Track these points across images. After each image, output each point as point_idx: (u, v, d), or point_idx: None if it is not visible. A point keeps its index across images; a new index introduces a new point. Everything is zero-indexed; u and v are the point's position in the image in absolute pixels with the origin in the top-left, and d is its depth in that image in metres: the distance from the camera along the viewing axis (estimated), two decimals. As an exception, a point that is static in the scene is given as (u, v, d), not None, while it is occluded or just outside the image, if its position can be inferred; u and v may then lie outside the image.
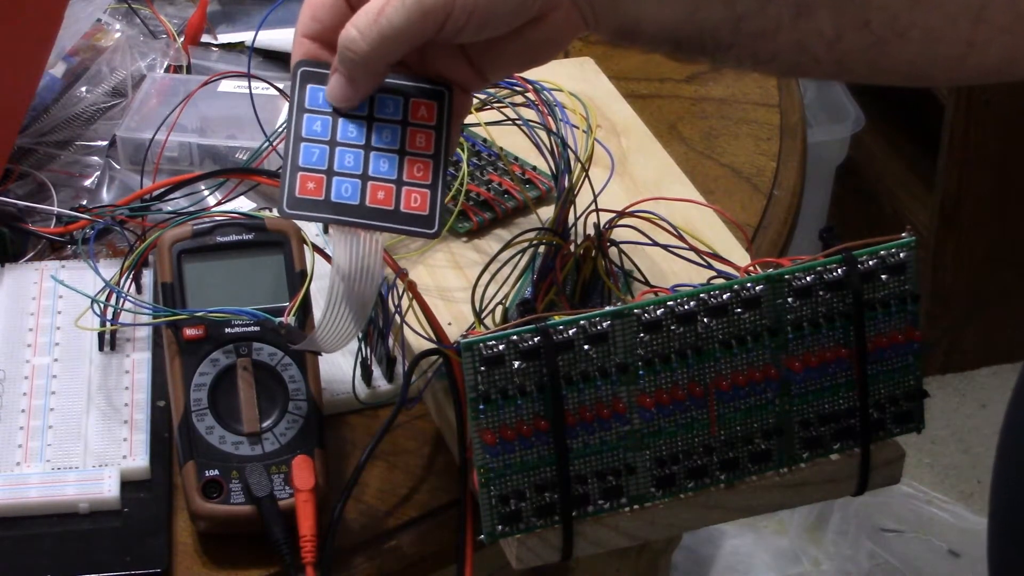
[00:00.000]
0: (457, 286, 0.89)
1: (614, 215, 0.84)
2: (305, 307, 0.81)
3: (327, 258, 0.83)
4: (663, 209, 0.85)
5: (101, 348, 0.86)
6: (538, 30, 0.73)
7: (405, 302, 0.81)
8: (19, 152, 1.00)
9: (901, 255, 0.77)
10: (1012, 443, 0.97)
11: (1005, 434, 0.98)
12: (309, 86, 0.75)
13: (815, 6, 0.70)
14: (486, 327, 0.79)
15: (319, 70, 0.75)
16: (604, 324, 0.73)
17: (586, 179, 0.86)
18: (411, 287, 0.80)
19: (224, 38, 1.15)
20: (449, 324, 0.84)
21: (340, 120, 0.75)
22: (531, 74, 0.85)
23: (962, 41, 0.70)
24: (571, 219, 0.85)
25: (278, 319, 0.78)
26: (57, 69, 1.04)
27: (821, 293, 0.76)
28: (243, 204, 0.89)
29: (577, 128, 0.88)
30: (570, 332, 0.72)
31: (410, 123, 0.76)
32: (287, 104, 0.76)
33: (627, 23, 0.73)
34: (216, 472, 0.77)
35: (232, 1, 1.19)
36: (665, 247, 0.84)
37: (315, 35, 0.75)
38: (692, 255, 0.83)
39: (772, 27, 0.71)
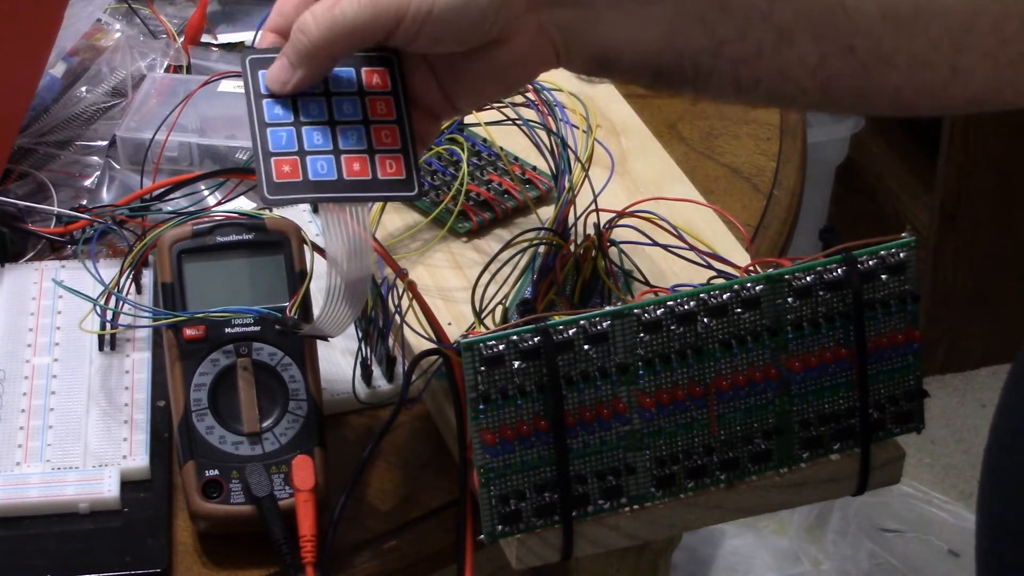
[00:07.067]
0: (457, 286, 0.89)
1: (614, 215, 0.84)
2: (305, 306, 0.81)
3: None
4: (663, 209, 0.85)
5: (101, 348, 0.86)
6: (502, 53, 0.73)
7: (405, 302, 0.81)
8: (19, 152, 0.99)
9: (901, 255, 0.77)
10: (1001, 445, 0.97)
11: (994, 435, 0.98)
12: (261, 72, 0.75)
13: (797, 31, 0.70)
14: (486, 327, 0.79)
15: (267, 56, 0.76)
16: (604, 324, 0.73)
17: (586, 179, 0.86)
18: (411, 287, 0.80)
19: (224, 38, 1.15)
20: (449, 324, 0.84)
21: (300, 101, 0.75)
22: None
23: (946, 67, 0.70)
24: (571, 219, 0.85)
25: (284, 306, 0.78)
26: (57, 69, 1.03)
27: (821, 293, 0.76)
28: (243, 204, 0.89)
29: (577, 128, 0.88)
30: (570, 332, 0.72)
31: (367, 92, 0.76)
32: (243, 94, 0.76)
33: (602, 50, 0.73)
34: (216, 472, 0.77)
35: (232, 1, 1.19)
36: (665, 247, 0.84)
37: (279, 29, 0.76)
38: (692, 255, 0.83)
39: (753, 53, 0.71)
